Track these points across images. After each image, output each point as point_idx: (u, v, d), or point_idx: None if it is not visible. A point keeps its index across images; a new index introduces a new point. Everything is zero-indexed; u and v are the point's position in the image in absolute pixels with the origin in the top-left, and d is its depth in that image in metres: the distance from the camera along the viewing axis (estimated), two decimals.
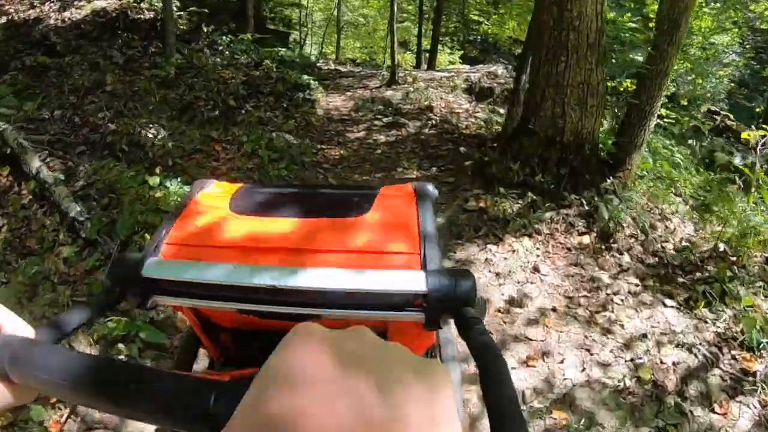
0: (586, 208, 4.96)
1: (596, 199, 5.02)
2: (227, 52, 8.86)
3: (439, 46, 18.46)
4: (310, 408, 0.30)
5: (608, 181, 5.24)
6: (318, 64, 15.75)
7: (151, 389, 0.49)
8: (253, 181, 5.46)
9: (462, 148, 6.81)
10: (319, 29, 25.54)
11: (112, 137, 5.67)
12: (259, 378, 0.34)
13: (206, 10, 9.09)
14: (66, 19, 8.09)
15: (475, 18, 19.75)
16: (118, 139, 5.65)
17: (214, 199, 1.22)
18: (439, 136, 7.47)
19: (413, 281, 0.90)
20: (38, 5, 8.39)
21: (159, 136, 5.86)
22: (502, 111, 11.10)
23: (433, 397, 0.33)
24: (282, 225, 1.10)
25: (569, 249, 4.60)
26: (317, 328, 0.37)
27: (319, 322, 0.38)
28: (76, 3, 8.57)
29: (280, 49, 9.53)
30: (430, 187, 1.23)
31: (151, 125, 6.03)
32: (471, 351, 0.68)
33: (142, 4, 9.02)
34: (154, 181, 4.74)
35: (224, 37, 9.17)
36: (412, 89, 9.88)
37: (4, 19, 7.89)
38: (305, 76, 9.02)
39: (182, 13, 9.24)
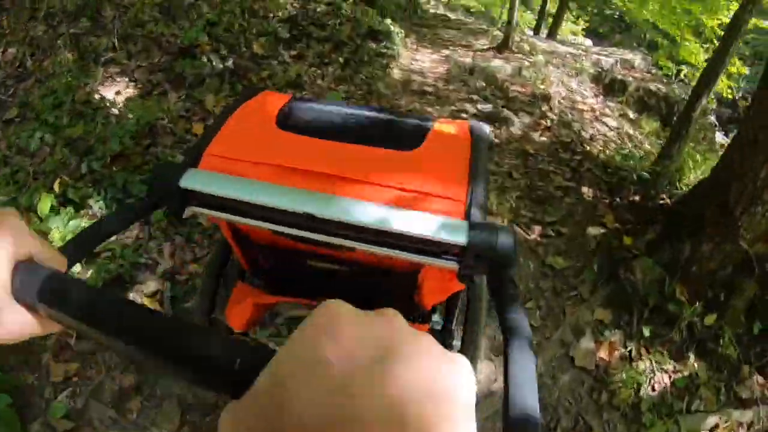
0: None
1: None
2: None
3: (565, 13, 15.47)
4: (328, 398, 0.29)
5: None
6: (425, 7, 13.28)
7: (177, 342, 0.45)
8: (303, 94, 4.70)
9: (586, 190, 4.35)
10: None
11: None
12: (279, 358, 0.33)
13: None
14: None
15: None
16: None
17: (261, 110, 1.16)
18: (554, 152, 5.00)
19: (454, 231, 0.87)
20: None
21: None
22: (632, 116, 8.47)
23: (454, 395, 0.32)
24: (328, 148, 1.06)
25: None
26: (344, 311, 0.35)
27: (352, 255, 0.56)
28: None
29: None
30: (487, 129, 1.17)
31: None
32: (502, 326, 0.66)
33: None
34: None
35: None
36: (527, 63, 7.32)
37: None
38: (388, 20, 6.64)
39: None
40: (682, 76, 13.24)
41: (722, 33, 12.49)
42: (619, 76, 9.30)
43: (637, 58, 11.21)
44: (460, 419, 0.31)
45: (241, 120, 1.11)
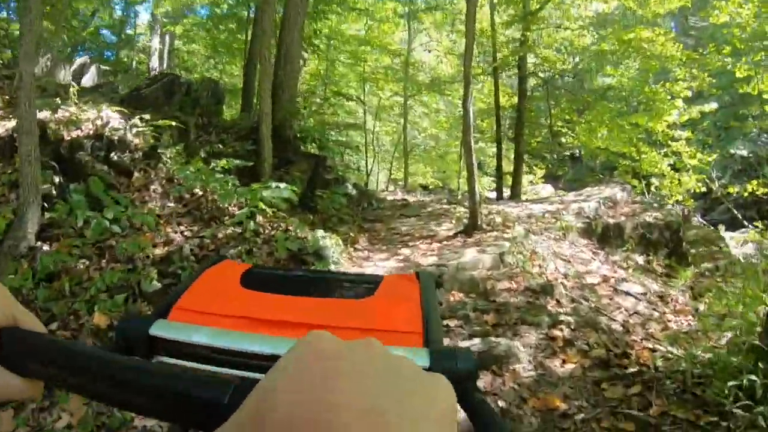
0: None
1: None
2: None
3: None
4: (313, 413, 0.30)
5: None
6: (381, 195, 12.25)
7: (166, 386, 0.46)
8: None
9: None
10: (386, 154, 22.64)
11: None
12: (267, 378, 0.34)
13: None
14: None
15: (560, 129, 15.81)
16: None
17: (225, 274, 1.25)
18: (593, 387, 3.09)
19: (417, 358, 0.87)
20: None
21: None
22: (640, 259, 6.82)
23: (433, 413, 0.33)
24: (291, 302, 1.13)
25: None
26: (327, 336, 0.36)
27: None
28: None
29: (278, 186, 5.52)
30: (432, 273, 1.36)
31: None
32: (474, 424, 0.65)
33: None
34: None
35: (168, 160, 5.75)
36: (506, 243, 5.72)
37: None
38: (320, 233, 5.15)
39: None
40: (653, 189, 12.53)
41: (673, 134, 12.50)
42: (611, 220, 7.80)
43: (616, 191, 9.88)
44: (437, 429, 0.31)
45: (207, 281, 1.17)
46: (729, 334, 3.75)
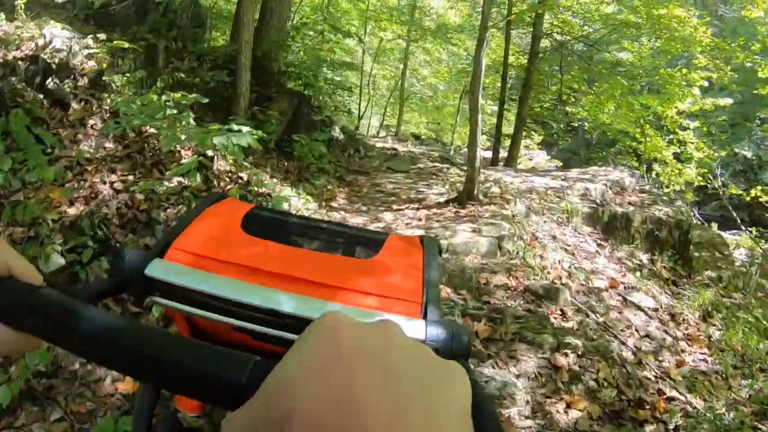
0: None
1: None
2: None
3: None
4: (336, 417, 0.29)
5: None
6: (371, 142, 11.25)
7: (179, 357, 0.43)
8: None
9: None
10: (381, 98, 21.42)
11: None
12: (286, 365, 0.33)
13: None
14: None
15: (567, 97, 14.81)
16: None
17: (226, 214, 1.19)
18: None
19: (412, 329, 0.89)
20: None
21: None
22: (645, 258, 6.10)
23: (453, 408, 0.32)
24: (291, 253, 1.09)
25: None
26: (346, 321, 0.35)
27: None
28: None
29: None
30: (436, 240, 1.21)
31: None
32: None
33: None
34: None
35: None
36: (505, 223, 4.86)
37: None
38: (287, 192, 4.17)
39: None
40: (654, 175, 11.93)
41: (682, 122, 11.94)
42: (618, 209, 7.00)
43: (624, 176, 9.01)
44: (456, 424, 0.31)
45: (207, 220, 1.10)
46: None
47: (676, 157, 11.81)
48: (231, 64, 6.89)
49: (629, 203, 7.65)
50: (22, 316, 0.47)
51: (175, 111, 4.31)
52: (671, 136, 11.79)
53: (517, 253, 4.38)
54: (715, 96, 12.07)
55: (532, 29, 11.85)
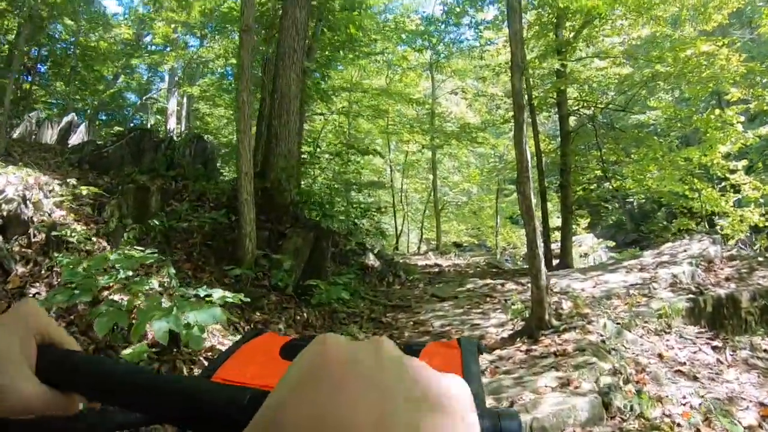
0: None
1: None
2: None
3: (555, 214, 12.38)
4: (324, 416, 0.29)
5: None
6: (412, 261, 10.22)
7: (188, 395, 0.48)
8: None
9: None
10: (417, 212, 20.71)
11: None
12: (278, 389, 0.33)
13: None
14: None
15: (605, 172, 13.63)
16: None
17: (266, 345, 1.03)
18: None
19: None
20: None
21: None
22: None
23: (446, 416, 0.31)
24: None
25: None
26: (337, 339, 0.35)
27: None
28: None
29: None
30: (474, 341, 0.88)
31: None
32: None
33: None
34: None
35: None
36: (598, 362, 3.54)
37: None
38: None
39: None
40: (718, 229, 10.57)
41: (729, 165, 10.58)
42: (720, 291, 5.58)
43: (705, 245, 7.53)
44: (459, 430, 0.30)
45: (246, 352, 0.97)
46: None
47: (736, 204, 10.76)
48: (236, 200, 6.11)
49: (726, 279, 6.23)
50: (63, 377, 0.52)
51: (129, 273, 3.33)
52: (723, 183, 11.01)
53: (631, 408, 3.03)
54: (751, 126, 10.93)
55: (557, 109, 10.98)
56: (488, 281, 7.24)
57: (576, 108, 10.96)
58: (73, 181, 4.61)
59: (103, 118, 19.08)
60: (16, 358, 0.51)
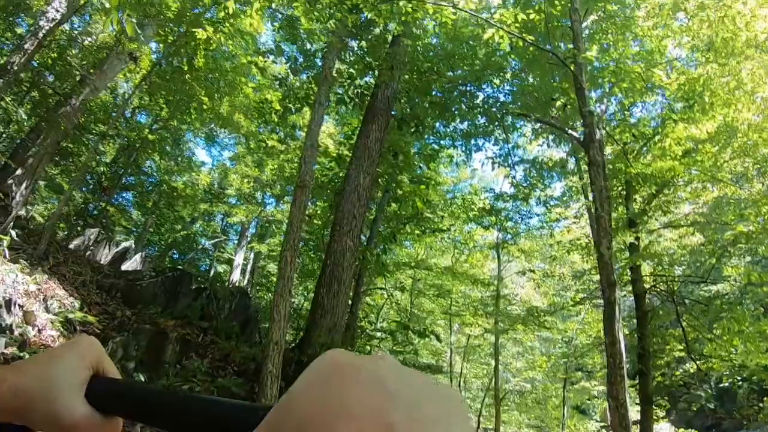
0: None
1: None
2: None
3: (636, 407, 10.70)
4: (323, 416, 0.30)
5: None
6: None
7: (215, 414, 0.50)
8: None
9: None
10: (476, 399, 18.99)
11: None
12: (287, 393, 0.34)
13: None
14: None
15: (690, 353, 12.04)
16: None
17: None
18: None
19: None
20: None
21: None
22: None
23: (446, 421, 0.33)
24: None
25: None
26: (344, 351, 0.37)
27: None
28: None
29: None
30: None
31: None
32: None
33: None
34: None
35: None
36: None
37: None
38: None
39: None
40: None
41: None
42: None
43: None
44: None
45: None
46: None
47: None
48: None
49: None
50: (110, 402, 0.57)
51: None
52: None
53: None
54: None
55: (632, 287, 10.03)
56: None
57: (653, 284, 10.00)
58: (77, 303, 4.22)
59: (175, 256, 19.69)
60: (70, 386, 0.55)
